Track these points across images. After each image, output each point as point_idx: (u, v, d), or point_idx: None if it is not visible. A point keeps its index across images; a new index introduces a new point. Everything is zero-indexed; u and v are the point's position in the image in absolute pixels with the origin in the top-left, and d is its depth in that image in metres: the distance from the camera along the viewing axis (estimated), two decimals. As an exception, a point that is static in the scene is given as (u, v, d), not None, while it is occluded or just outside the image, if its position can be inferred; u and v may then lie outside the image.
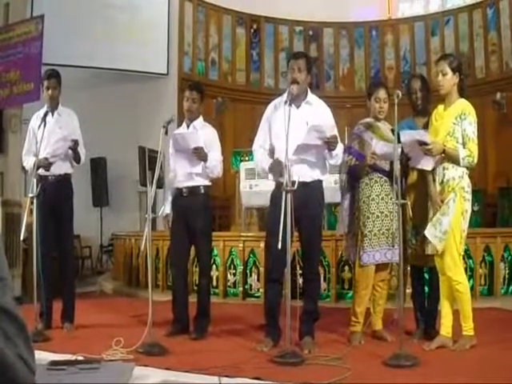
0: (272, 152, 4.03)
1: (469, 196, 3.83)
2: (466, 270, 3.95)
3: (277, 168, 3.88)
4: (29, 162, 4.75)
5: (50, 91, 4.78)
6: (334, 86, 11.66)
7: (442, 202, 3.80)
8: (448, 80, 3.89)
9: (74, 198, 4.91)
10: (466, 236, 3.93)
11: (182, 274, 4.61)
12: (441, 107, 3.98)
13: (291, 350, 3.56)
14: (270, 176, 4.10)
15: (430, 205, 3.90)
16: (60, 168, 4.76)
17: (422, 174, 4.10)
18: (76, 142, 4.72)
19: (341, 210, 4.43)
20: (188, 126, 4.66)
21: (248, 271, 6.26)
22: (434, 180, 3.91)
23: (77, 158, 4.82)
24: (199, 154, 4.35)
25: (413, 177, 4.22)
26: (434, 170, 3.93)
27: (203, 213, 4.52)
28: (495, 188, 9.37)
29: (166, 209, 4.61)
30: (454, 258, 3.79)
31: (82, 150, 4.84)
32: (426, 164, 3.90)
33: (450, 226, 3.76)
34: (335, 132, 3.85)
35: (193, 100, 4.62)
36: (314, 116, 3.95)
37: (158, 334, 4.10)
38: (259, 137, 4.16)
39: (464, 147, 3.82)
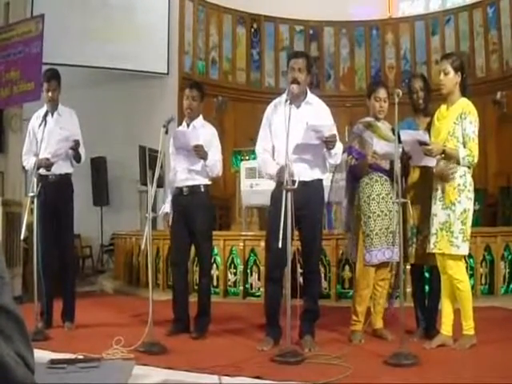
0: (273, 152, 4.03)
1: (471, 195, 3.83)
2: (466, 269, 3.95)
3: (284, 174, 3.85)
4: (29, 161, 4.76)
5: (50, 93, 4.77)
6: (334, 85, 11.65)
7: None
8: (450, 79, 3.88)
9: (74, 197, 4.91)
10: (468, 235, 3.93)
11: (182, 273, 4.61)
12: (443, 107, 3.97)
13: (292, 349, 3.56)
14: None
15: (433, 201, 3.89)
16: (60, 167, 4.76)
17: (423, 172, 4.10)
18: (78, 143, 4.73)
19: (341, 209, 4.45)
20: (188, 126, 4.66)
21: (248, 270, 6.26)
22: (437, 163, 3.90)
23: (77, 158, 4.83)
24: (199, 152, 4.36)
25: (414, 176, 4.21)
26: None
27: (203, 212, 4.52)
28: (496, 187, 9.36)
29: (166, 208, 4.61)
30: (455, 256, 3.79)
31: (82, 149, 4.84)
32: (430, 161, 3.90)
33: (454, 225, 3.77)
34: (334, 131, 3.84)
35: (192, 98, 4.62)
36: (313, 116, 3.94)
37: (159, 333, 4.10)
38: (261, 138, 4.15)
39: (464, 147, 3.81)
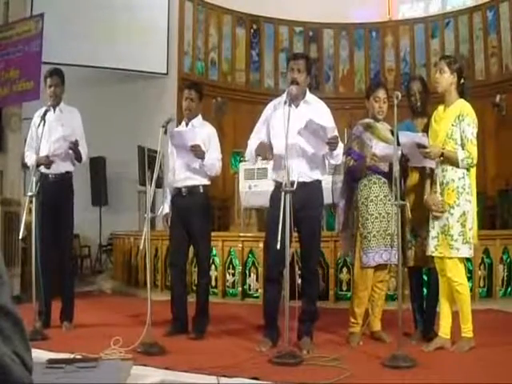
0: (270, 150, 4.03)
1: (470, 197, 3.81)
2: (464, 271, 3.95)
3: (261, 149, 3.94)
4: (31, 157, 4.75)
5: (52, 89, 4.77)
6: (333, 87, 11.65)
7: (442, 206, 3.79)
8: (445, 78, 3.89)
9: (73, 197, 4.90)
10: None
11: (180, 273, 4.61)
12: (441, 108, 3.98)
13: (290, 351, 3.56)
14: (269, 173, 4.10)
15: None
16: (61, 166, 4.76)
17: (422, 175, 4.10)
18: (75, 143, 4.71)
19: (337, 210, 4.46)
20: (187, 125, 4.68)
21: (247, 271, 6.26)
22: (432, 185, 3.90)
23: (78, 158, 4.82)
24: (196, 152, 4.36)
25: (412, 178, 4.21)
26: (432, 172, 3.94)
27: (202, 212, 4.53)
28: (494, 190, 9.36)
29: (165, 208, 4.62)
30: (455, 259, 3.79)
31: (83, 148, 4.83)
32: (428, 163, 3.90)
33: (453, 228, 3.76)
34: (336, 133, 3.85)
35: (191, 99, 4.64)
36: (312, 115, 3.94)
37: (157, 333, 4.10)
38: (256, 131, 4.16)
39: (463, 149, 3.81)
